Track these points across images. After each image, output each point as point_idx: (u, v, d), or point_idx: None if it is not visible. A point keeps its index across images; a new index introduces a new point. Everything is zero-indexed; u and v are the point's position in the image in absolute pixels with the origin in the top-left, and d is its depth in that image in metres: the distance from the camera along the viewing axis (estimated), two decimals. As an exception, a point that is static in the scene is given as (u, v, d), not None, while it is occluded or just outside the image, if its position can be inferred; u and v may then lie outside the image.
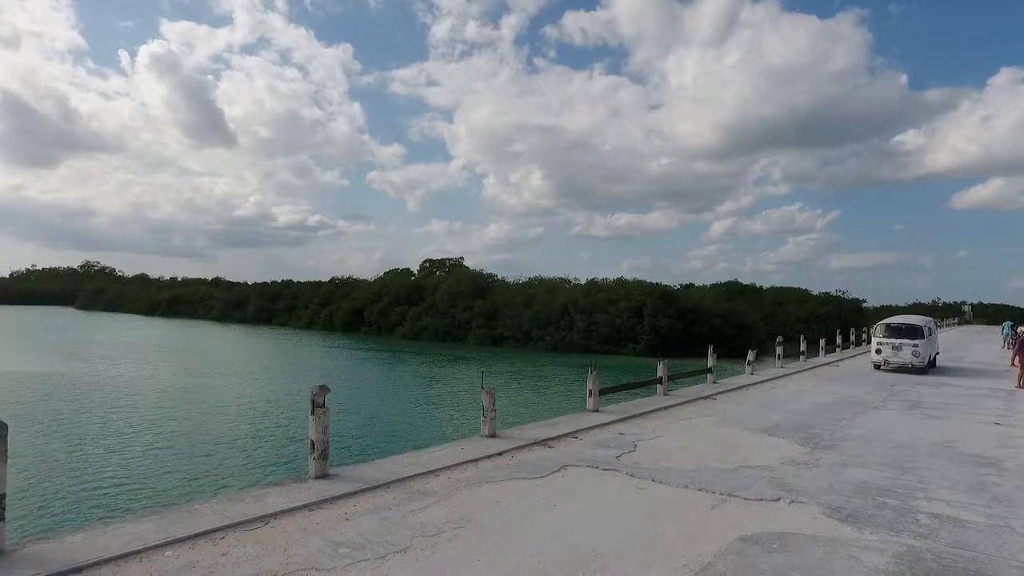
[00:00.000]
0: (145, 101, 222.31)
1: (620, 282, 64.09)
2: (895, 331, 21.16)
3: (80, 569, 4.95)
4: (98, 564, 5.04)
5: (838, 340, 30.58)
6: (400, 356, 49.37)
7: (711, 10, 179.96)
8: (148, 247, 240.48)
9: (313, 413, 7.40)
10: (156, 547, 5.40)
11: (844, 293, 73.73)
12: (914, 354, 20.46)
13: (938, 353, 24.11)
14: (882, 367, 21.23)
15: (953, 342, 39.32)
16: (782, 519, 6.58)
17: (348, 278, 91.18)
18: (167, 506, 6.92)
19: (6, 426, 5.24)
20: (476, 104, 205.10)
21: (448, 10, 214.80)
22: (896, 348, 20.73)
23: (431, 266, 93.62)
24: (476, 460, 8.52)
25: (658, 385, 14.93)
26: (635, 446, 9.73)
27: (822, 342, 27.30)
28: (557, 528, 6.18)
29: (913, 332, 20.84)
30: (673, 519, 6.52)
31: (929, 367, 21.37)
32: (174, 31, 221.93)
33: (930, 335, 21.60)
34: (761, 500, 7.21)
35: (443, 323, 65.79)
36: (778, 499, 7.26)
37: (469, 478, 7.75)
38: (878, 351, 21.22)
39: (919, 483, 8.09)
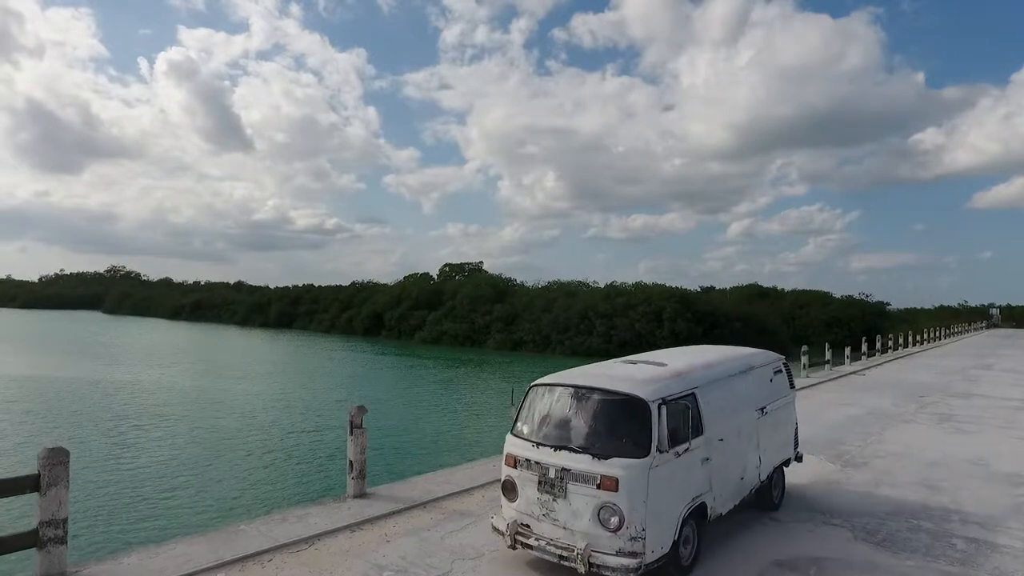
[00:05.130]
0: (164, 107, 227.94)
1: (639, 286, 63.97)
2: (559, 414, 5.65)
3: (139, 592, 5.17)
4: (156, 587, 5.25)
5: (863, 347, 30.23)
6: (420, 361, 49.69)
7: (722, 10, 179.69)
8: (169, 251, 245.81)
9: (352, 433, 7.59)
10: (208, 569, 5.61)
11: (868, 296, 72.96)
12: (603, 518, 4.91)
13: (796, 458, 8.15)
14: (515, 543, 5.42)
15: (974, 346, 38.46)
16: (816, 543, 6.61)
17: (368, 282, 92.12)
18: (214, 527, 7.15)
19: (67, 452, 5.49)
20: (488, 107, 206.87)
21: (459, 14, 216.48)
22: (549, 488, 5.18)
23: (450, 270, 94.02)
24: (508, 478, 8.63)
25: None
26: (664, 463, 9.74)
27: (847, 350, 26.80)
28: (593, 551, 6.26)
29: (606, 422, 5.32)
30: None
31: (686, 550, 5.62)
32: (192, 38, 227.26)
33: (715, 427, 5.92)
34: (794, 522, 7.24)
35: (462, 327, 66.09)
36: (811, 521, 7.29)
37: (503, 497, 7.86)
38: (508, 486, 5.61)
39: (953, 504, 8.06)
